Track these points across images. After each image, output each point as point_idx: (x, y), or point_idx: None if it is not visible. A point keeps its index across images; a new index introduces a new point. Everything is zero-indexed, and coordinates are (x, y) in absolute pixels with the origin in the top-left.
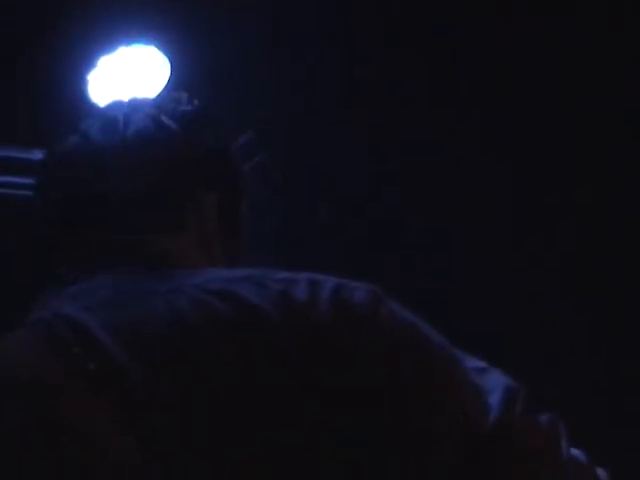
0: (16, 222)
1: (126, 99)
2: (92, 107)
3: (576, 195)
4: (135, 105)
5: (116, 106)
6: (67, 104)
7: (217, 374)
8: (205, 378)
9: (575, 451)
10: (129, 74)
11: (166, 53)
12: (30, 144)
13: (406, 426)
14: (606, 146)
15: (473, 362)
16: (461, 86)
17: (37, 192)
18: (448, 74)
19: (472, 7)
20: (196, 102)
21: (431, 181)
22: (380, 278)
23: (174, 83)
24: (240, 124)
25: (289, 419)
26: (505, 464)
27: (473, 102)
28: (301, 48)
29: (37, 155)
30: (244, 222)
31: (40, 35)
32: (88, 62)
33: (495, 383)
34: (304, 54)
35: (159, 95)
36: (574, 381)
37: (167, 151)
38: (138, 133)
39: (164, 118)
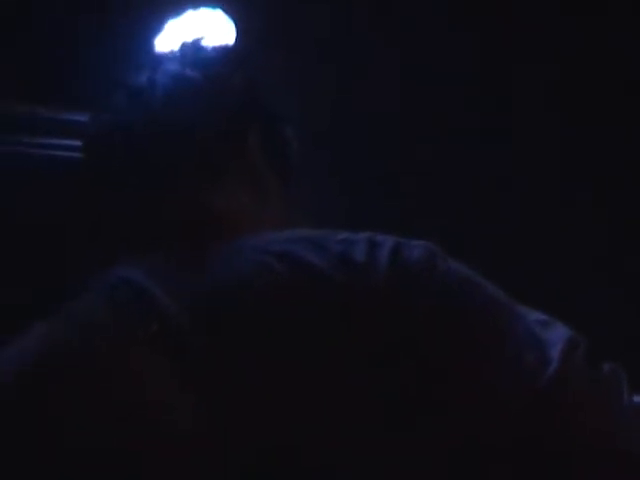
0: (63, 184)
1: (148, 60)
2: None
3: None
4: (158, 65)
5: (140, 71)
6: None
7: (276, 336)
8: (264, 340)
9: (638, 400)
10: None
11: (232, 16)
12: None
13: (462, 378)
14: None
15: (535, 315)
16: None
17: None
18: None
19: None
20: (220, 43)
21: None
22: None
23: (240, 46)
24: (306, 86)
25: (345, 377)
26: (563, 416)
27: None
28: None
29: (83, 117)
30: (293, 155)
31: None
32: (155, 26)
33: (557, 335)
34: None
35: (182, 46)
36: None
37: (196, 106)
38: (165, 96)
39: (188, 71)
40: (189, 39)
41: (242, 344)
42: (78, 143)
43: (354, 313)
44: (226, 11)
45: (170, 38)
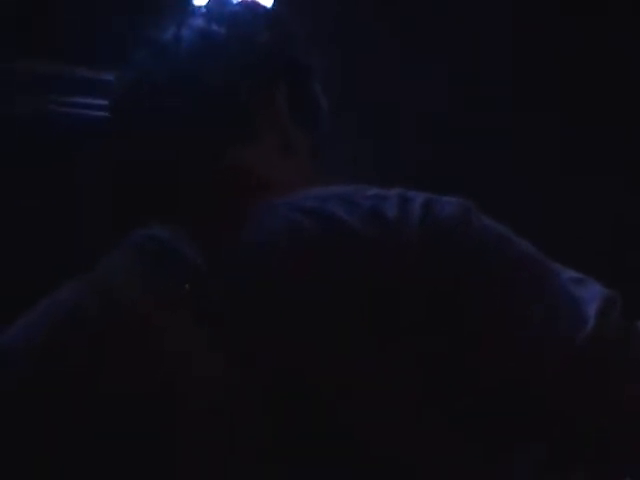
0: (89, 142)
1: (174, 15)
2: None
3: None
4: (183, 21)
5: (165, 28)
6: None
7: (306, 295)
8: (294, 299)
9: None
10: None
11: None
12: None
13: (498, 336)
14: None
15: (570, 273)
16: None
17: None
18: None
19: None
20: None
21: None
22: None
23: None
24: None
25: (375, 335)
26: (602, 375)
27: None
28: None
29: (102, 75)
30: (321, 109)
31: None
32: None
33: (592, 293)
34: None
35: (208, 2)
36: None
37: (222, 61)
38: (190, 51)
39: (214, 25)
40: None
41: (271, 305)
42: (106, 102)
43: (385, 269)
44: None
45: None
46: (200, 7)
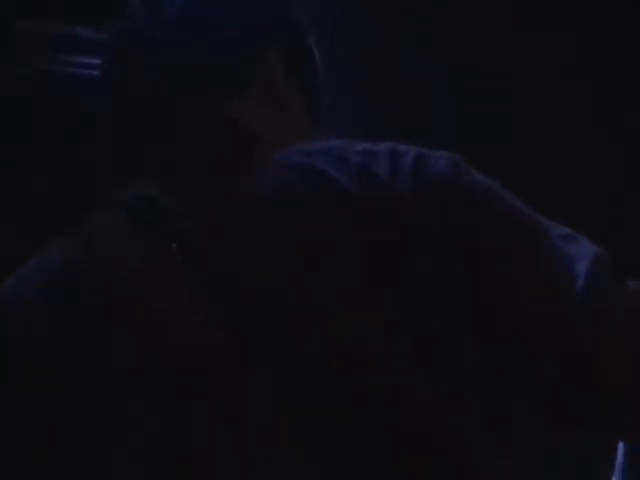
0: (84, 100)
1: None
2: None
3: None
4: None
5: None
6: None
7: (294, 253)
8: (282, 258)
9: None
10: None
11: None
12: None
13: (487, 292)
14: None
15: (560, 229)
16: None
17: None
18: None
19: None
20: None
21: None
22: None
23: None
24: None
25: (366, 292)
26: (593, 334)
27: None
28: None
29: (103, 35)
30: (317, 75)
31: None
32: None
33: (582, 251)
34: None
35: None
36: None
37: (216, 14)
38: (185, 4)
39: None
40: None
41: (260, 264)
42: None
43: (375, 226)
44: None
45: None
46: None
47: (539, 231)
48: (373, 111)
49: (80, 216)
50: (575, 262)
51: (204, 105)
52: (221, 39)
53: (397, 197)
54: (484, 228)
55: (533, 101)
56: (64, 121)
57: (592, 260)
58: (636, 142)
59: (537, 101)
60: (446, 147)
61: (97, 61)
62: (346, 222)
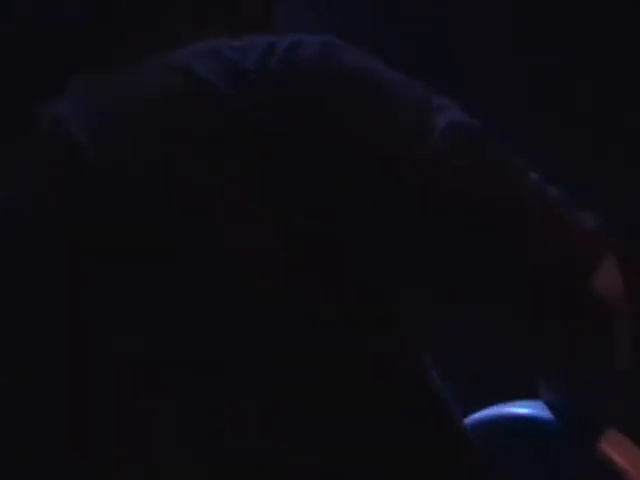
0: None
1: None
2: None
3: None
4: None
5: None
6: None
7: (177, 157)
8: (174, 159)
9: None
10: None
11: None
12: None
13: (369, 167)
14: None
15: (439, 99)
16: None
17: None
18: None
19: None
20: None
21: None
22: None
23: None
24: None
25: (239, 181)
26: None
27: None
28: None
29: None
30: None
31: None
32: None
33: (447, 115)
34: None
35: None
36: None
37: None
38: None
39: None
40: None
41: (144, 172)
42: None
43: (245, 122)
44: None
45: None
46: None
47: (418, 99)
48: None
49: None
50: (433, 112)
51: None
52: None
53: (265, 94)
54: (350, 115)
55: (532, 101)
56: None
57: (449, 124)
58: (636, 142)
59: (536, 101)
60: None
61: None
62: (217, 122)
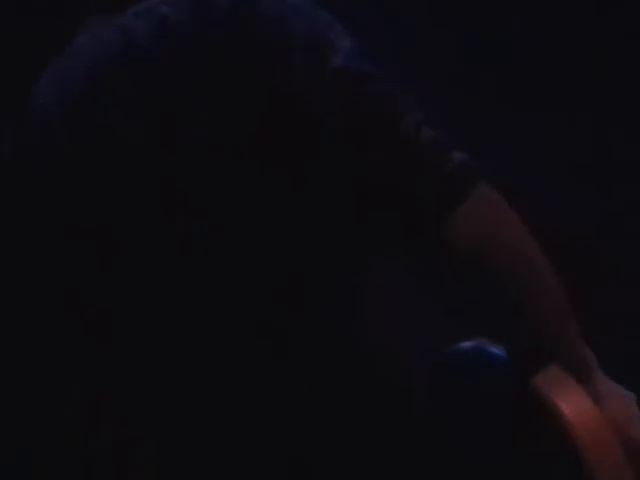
0: None
1: None
2: None
3: None
4: None
5: None
6: None
7: (120, 112)
8: (118, 113)
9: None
10: None
11: None
12: None
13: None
14: None
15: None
16: None
17: None
18: None
19: None
20: None
21: None
22: None
23: None
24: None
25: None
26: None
27: None
28: None
29: None
30: None
31: None
32: None
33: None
34: None
35: None
36: None
37: None
38: None
39: None
40: None
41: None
42: None
43: (169, 71)
44: None
45: None
46: None
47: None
48: None
49: None
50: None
51: None
52: None
53: (185, 38)
54: (264, 61)
55: (532, 101)
56: None
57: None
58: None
59: (536, 101)
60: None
61: None
62: (146, 81)
